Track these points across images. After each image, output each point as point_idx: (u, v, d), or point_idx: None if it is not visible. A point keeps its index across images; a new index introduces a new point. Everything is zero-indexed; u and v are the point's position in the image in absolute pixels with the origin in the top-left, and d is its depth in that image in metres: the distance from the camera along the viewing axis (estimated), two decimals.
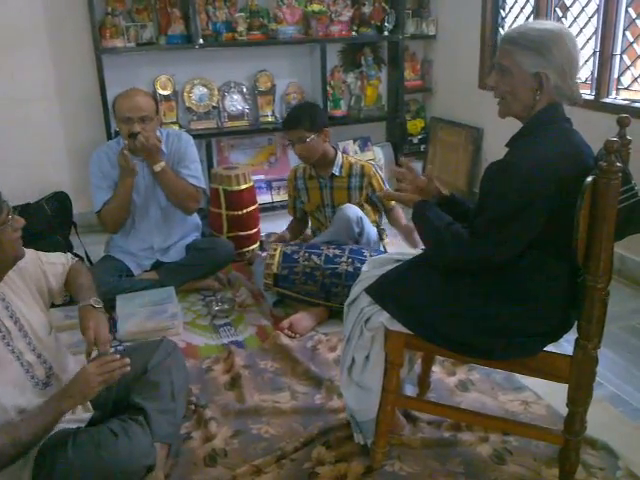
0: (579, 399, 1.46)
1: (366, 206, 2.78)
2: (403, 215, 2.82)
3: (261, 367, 2.22)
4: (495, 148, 3.61)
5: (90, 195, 2.75)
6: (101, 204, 2.64)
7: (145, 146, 2.51)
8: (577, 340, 1.44)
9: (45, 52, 3.39)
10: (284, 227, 3.28)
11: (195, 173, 2.75)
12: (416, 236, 2.60)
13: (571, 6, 3.11)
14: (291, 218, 3.04)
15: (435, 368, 2.08)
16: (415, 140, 4.27)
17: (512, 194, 1.36)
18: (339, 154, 2.76)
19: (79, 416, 1.57)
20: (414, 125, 4.27)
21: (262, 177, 3.98)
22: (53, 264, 1.69)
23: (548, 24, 1.47)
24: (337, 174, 2.72)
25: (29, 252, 1.59)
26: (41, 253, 1.67)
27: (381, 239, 2.78)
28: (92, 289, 1.68)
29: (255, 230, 3.22)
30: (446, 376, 2.12)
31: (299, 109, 2.77)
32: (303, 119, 2.59)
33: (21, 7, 3.27)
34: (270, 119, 3.89)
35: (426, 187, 1.65)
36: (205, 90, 3.74)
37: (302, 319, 2.47)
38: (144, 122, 2.52)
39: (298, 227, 3.01)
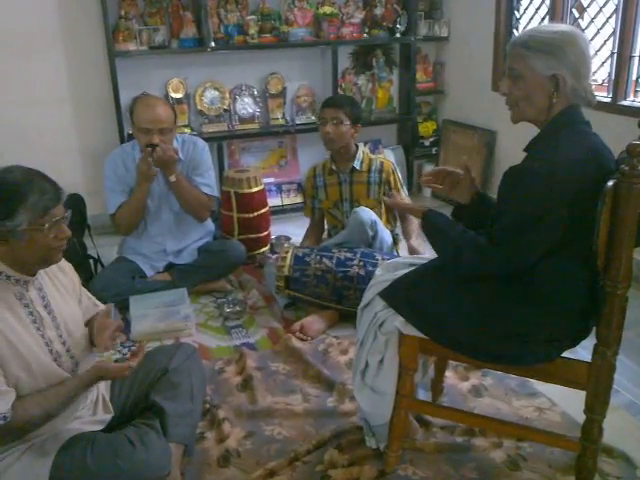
0: (597, 406, 1.45)
1: (382, 205, 2.77)
2: (416, 229, 2.78)
3: (273, 369, 2.22)
4: (509, 151, 3.59)
5: (103, 197, 2.77)
6: (115, 207, 2.66)
7: (162, 158, 2.53)
8: (596, 346, 1.42)
9: (59, 56, 3.41)
10: (294, 230, 3.28)
11: (209, 181, 2.77)
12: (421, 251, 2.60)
13: (588, 6, 3.08)
14: (306, 227, 3.01)
15: (448, 373, 2.07)
16: (427, 143, 4.25)
17: (532, 200, 1.34)
18: (360, 150, 2.77)
19: (100, 417, 1.59)
20: (426, 127, 4.26)
21: (272, 180, 3.98)
22: (89, 297, 1.72)
23: (558, 26, 1.45)
24: (357, 168, 2.72)
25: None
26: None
27: (395, 244, 2.77)
28: None
29: (266, 233, 3.22)
30: (459, 381, 2.10)
31: (345, 96, 2.98)
32: (346, 104, 2.65)
33: (35, 11, 3.30)
34: (281, 122, 3.89)
35: (462, 180, 1.62)
36: (216, 93, 3.75)
37: (313, 322, 2.47)
38: (163, 134, 2.54)
39: (316, 231, 2.96)
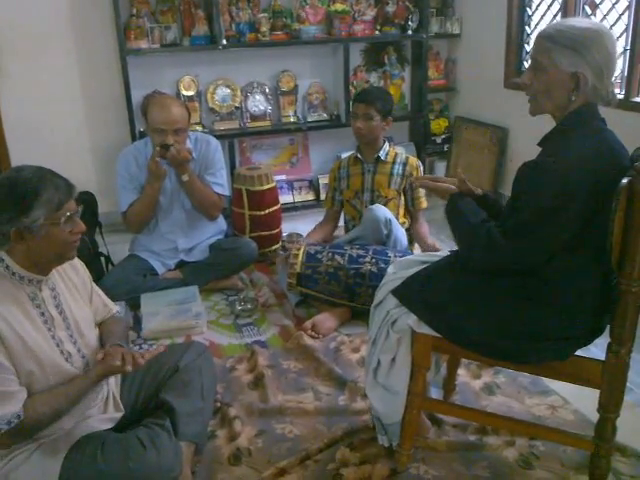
0: (611, 405, 1.44)
1: (402, 198, 2.78)
2: (427, 230, 2.79)
3: (284, 367, 2.22)
4: (521, 148, 3.56)
5: (115, 195, 2.79)
6: (127, 205, 2.68)
7: (176, 158, 2.55)
8: (609, 345, 1.41)
9: (71, 53, 3.44)
10: (306, 227, 3.27)
11: (221, 181, 2.79)
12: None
13: (601, 3, 3.05)
14: (316, 221, 3.01)
15: (460, 371, 2.05)
16: (438, 140, 4.24)
17: (546, 195, 1.33)
18: (387, 143, 2.80)
19: (110, 415, 1.60)
20: (437, 125, 4.24)
21: (284, 177, 3.98)
22: (99, 296, 1.72)
23: (587, 22, 1.43)
24: (382, 158, 2.75)
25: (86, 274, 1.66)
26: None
27: (410, 243, 2.76)
28: (123, 339, 1.68)
29: (277, 230, 3.23)
30: (472, 379, 2.09)
31: (377, 90, 2.95)
32: (377, 100, 2.66)
33: (47, 9, 3.32)
34: (292, 119, 3.90)
35: (457, 189, 1.62)
36: (228, 91, 3.76)
37: (325, 320, 2.47)
38: (177, 134, 2.56)
39: (327, 226, 2.96)
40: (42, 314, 1.45)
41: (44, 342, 1.43)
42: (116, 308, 1.78)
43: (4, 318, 1.35)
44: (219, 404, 1.97)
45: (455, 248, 1.62)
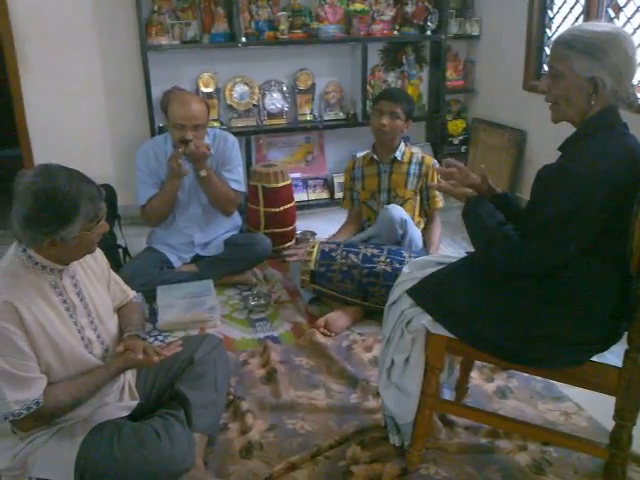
0: (627, 412, 1.42)
1: (418, 199, 2.77)
2: (439, 237, 2.78)
3: (296, 363, 2.23)
4: (539, 151, 3.53)
5: (133, 188, 2.81)
6: (146, 199, 2.71)
7: (195, 154, 2.58)
8: (627, 351, 1.40)
9: (93, 48, 3.47)
10: (320, 225, 3.28)
11: (237, 177, 2.82)
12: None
13: (625, 6, 3.01)
14: (332, 222, 3.01)
15: (473, 374, 2.05)
16: (456, 141, 4.21)
17: (565, 199, 1.33)
18: (402, 143, 2.80)
19: (126, 403, 1.62)
20: (455, 126, 4.22)
21: (299, 175, 3.99)
22: (117, 282, 1.75)
23: (603, 26, 1.42)
24: (399, 158, 2.74)
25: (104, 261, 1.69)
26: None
27: (425, 245, 2.74)
28: (140, 327, 1.70)
29: (291, 227, 3.24)
30: (484, 382, 2.09)
31: (401, 91, 3.04)
32: (404, 100, 2.69)
33: (70, 5, 3.36)
34: (309, 118, 3.90)
35: (478, 186, 1.62)
36: (246, 88, 3.77)
37: (338, 318, 2.47)
38: (196, 129, 2.58)
39: (353, 224, 2.94)
40: (64, 301, 1.48)
41: (66, 329, 1.45)
42: (133, 293, 1.80)
43: (28, 307, 1.38)
44: (232, 397, 1.99)
45: (471, 249, 1.62)
